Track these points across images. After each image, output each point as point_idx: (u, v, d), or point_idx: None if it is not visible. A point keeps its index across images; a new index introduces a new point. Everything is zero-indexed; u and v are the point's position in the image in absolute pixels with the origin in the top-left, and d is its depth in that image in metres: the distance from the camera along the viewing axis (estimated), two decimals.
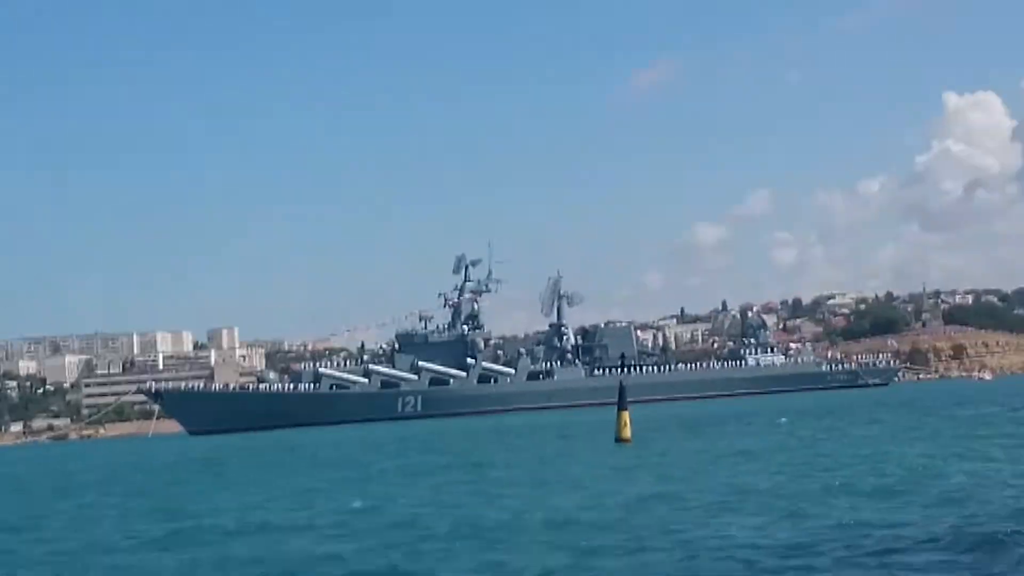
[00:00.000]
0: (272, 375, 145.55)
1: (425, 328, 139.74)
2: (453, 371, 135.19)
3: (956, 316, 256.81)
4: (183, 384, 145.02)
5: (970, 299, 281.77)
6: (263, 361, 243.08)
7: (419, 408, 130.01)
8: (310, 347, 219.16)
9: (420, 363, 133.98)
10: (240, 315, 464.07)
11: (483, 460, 47.07)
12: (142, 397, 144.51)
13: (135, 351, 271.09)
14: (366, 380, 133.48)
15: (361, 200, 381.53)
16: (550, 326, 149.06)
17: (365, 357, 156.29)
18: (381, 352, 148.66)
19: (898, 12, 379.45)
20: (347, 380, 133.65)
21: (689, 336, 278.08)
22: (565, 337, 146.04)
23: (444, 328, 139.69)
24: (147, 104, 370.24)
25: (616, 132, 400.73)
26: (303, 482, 40.49)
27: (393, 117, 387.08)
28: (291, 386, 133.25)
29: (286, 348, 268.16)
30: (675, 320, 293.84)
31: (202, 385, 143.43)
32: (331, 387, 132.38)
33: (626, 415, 54.37)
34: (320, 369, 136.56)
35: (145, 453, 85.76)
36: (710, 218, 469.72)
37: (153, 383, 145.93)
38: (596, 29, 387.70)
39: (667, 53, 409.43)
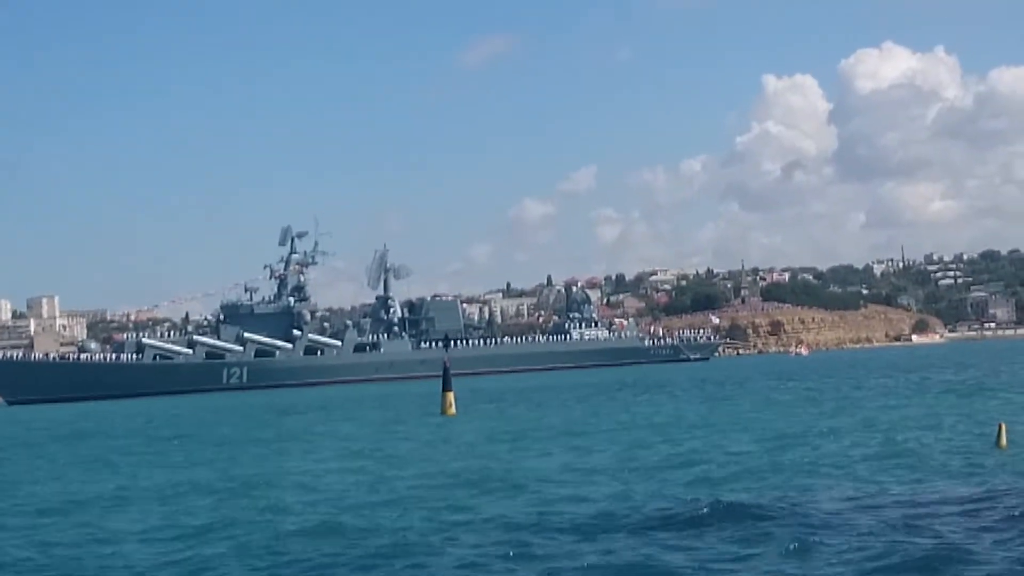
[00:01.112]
0: (94, 345, 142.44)
1: (251, 299, 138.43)
2: (279, 343, 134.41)
3: (774, 293, 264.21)
4: (1, 353, 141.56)
5: (787, 277, 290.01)
6: (84, 331, 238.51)
7: (245, 380, 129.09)
8: (133, 317, 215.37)
9: (245, 334, 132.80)
10: (61, 284, 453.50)
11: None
12: None
13: None
14: (190, 351, 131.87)
15: (188, 170, 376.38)
16: (377, 299, 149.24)
17: (190, 328, 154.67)
18: (206, 323, 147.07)
19: None
20: (171, 351, 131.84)
21: (515, 310, 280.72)
22: (392, 310, 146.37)
23: (270, 299, 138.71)
24: None
25: (446, 108, 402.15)
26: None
27: (226, 89, 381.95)
28: (113, 356, 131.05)
29: (108, 318, 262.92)
30: (501, 294, 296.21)
31: (21, 354, 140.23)
32: (155, 358, 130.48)
33: (451, 396, 55.22)
34: (143, 339, 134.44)
35: None
36: (538, 194, 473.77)
37: None
38: (426, 4, 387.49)
39: (498, 29, 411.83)
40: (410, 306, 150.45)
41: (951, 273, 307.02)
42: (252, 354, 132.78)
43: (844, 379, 73.91)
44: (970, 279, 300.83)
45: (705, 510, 19.03)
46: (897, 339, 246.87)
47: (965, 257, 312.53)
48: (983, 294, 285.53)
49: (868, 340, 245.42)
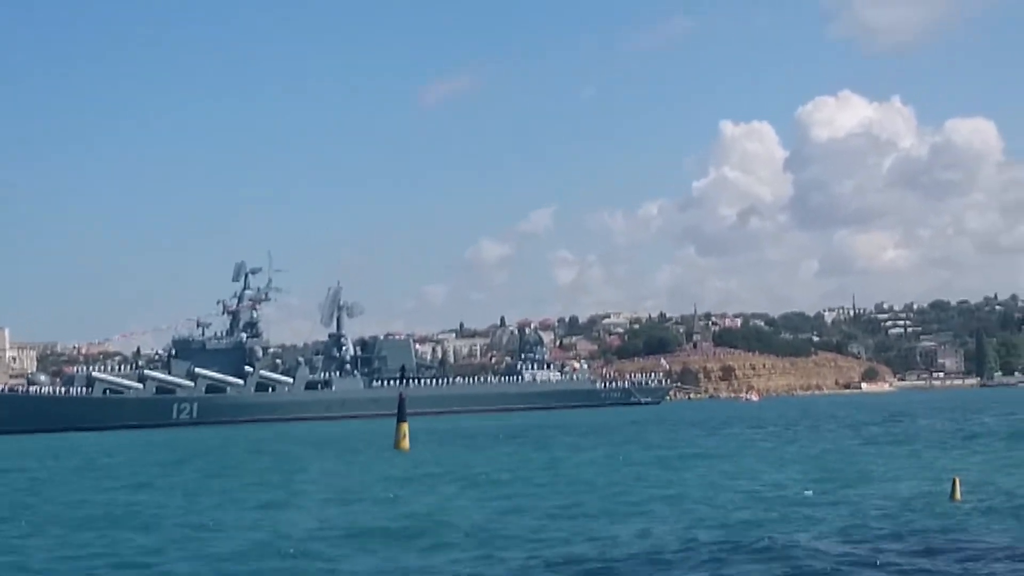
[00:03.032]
0: (43, 378, 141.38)
1: (203, 335, 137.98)
2: (230, 378, 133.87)
3: (726, 338, 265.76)
4: None
5: (739, 322, 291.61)
6: (35, 363, 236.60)
7: (195, 415, 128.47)
8: (84, 350, 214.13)
9: (196, 369, 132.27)
10: (11, 315, 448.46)
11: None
12: None
13: None
14: (140, 385, 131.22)
15: (140, 203, 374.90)
16: (329, 336, 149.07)
17: (140, 362, 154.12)
18: (157, 357, 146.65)
19: (688, 36, 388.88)
20: (121, 385, 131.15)
21: (467, 350, 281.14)
22: (344, 348, 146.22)
23: (222, 335, 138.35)
24: None
25: (406, 145, 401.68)
26: None
27: (182, 123, 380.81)
28: (63, 390, 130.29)
29: (59, 351, 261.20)
30: (455, 334, 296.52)
31: None
32: (105, 391, 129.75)
33: (405, 427, 55.50)
34: (93, 373, 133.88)
35: None
36: (496, 234, 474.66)
37: None
38: (389, 39, 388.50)
39: (461, 66, 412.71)
40: (363, 344, 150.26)
41: (901, 322, 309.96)
42: (203, 389, 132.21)
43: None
44: (920, 329, 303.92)
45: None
46: (847, 387, 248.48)
47: (915, 307, 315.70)
48: (932, 344, 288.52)
49: (818, 387, 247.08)
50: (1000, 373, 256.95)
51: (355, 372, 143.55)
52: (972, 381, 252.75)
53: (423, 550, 21.45)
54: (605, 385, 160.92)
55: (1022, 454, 41.54)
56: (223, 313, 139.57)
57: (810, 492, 29.42)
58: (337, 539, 23.29)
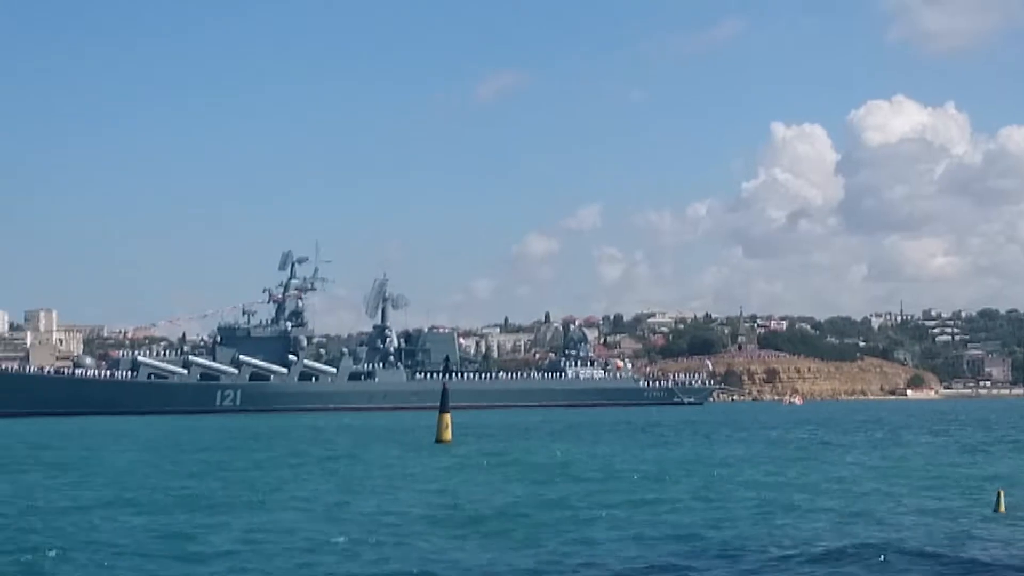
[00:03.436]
0: (89, 360, 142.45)
1: (248, 322, 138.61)
2: (274, 367, 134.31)
3: (770, 341, 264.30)
4: None
5: (784, 325, 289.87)
6: (81, 346, 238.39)
7: (238, 402, 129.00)
8: (130, 335, 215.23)
9: (241, 357, 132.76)
10: (59, 298, 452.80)
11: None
12: None
13: None
14: (185, 371, 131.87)
15: (191, 190, 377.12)
16: (374, 328, 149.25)
17: (186, 348, 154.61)
18: (202, 344, 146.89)
19: (740, 38, 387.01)
20: (166, 370, 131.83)
21: (511, 345, 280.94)
22: (388, 339, 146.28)
23: (267, 323, 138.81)
24: None
25: (456, 140, 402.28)
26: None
27: (233, 109, 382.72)
28: (108, 373, 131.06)
29: (105, 334, 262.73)
30: (499, 329, 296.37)
31: (16, 367, 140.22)
32: (149, 376, 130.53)
33: (447, 417, 55.51)
34: (139, 357, 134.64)
35: None
36: (543, 230, 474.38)
37: None
38: (442, 35, 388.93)
39: (512, 64, 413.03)
40: (407, 336, 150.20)
41: (948, 330, 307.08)
42: (247, 377, 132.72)
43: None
44: (967, 337, 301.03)
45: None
46: (892, 393, 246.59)
47: (963, 314, 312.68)
48: (980, 352, 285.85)
49: (863, 392, 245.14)
50: None
51: (399, 364, 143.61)
52: (1019, 391, 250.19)
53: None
54: (648, 384, 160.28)
55: None
56: (269, 301, 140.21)
57: None
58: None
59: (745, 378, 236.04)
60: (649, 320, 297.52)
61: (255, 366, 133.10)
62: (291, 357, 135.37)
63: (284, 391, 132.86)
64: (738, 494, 30.36)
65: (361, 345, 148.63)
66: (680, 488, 32.21)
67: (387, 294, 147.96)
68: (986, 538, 21.34)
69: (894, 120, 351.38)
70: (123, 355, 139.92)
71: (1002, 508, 25.61)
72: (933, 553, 19.30)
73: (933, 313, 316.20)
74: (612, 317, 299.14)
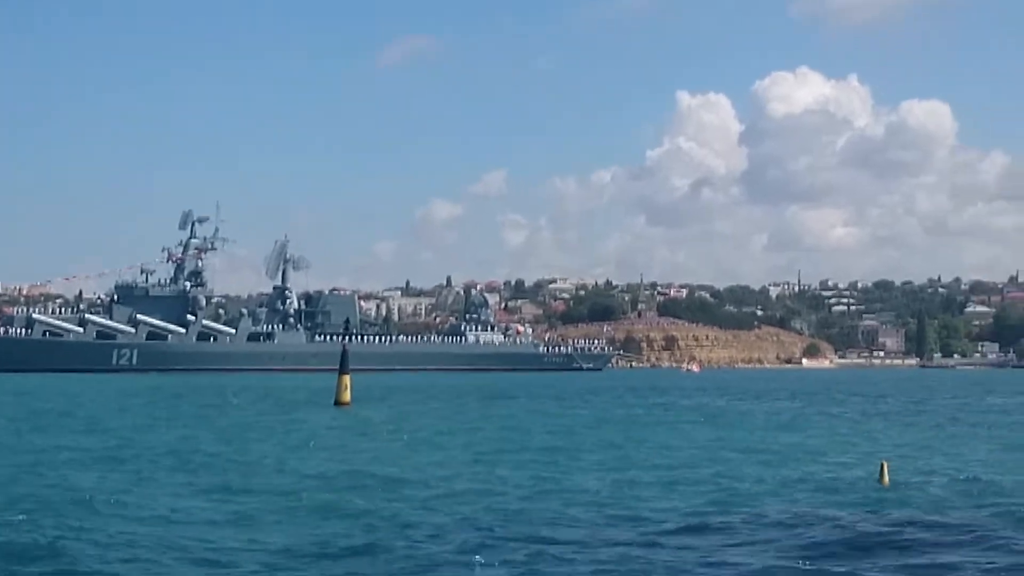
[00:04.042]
0: None
1: (146, 281, 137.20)
2: (172, 326, 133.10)
3: (670, 309, 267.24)
4: None
5: (684, 293, 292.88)
6: None
7: (135, 361, 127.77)
8: (25, 292, 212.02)
9: (138, 316, 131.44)
10: None
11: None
12: None
13: None
14: (81, 329, 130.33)
15: (90, 146, 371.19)
16: (274, 289, 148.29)
17: (82, 306, 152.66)
18: (99, 302, 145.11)
19: (647, 7, 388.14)
20: (61, 328, 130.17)
21: (412, 309, 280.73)
22: (288, 301, 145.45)
23: (166, 283, 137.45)
24: None
25: (362, 104, 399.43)
26: None
27: (131, 67, 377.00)
28: (2, 330, 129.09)
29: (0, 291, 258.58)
30: (400, 292, 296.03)
31: None
32: (44, 334, 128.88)
33: (347, 379, 55.70)
34: (33, 315, 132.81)
35: None
36: (448, 195, 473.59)
37: None
38: (347, 2, 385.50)
39: (418, 30, 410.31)
40: (307, 298, 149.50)
41: (844, 300, 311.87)
42: (144, 336, 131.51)
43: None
44: (863, 307, 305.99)
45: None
46: (788, 362, 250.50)
47: (859, 285, 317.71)
48: (874, 323, 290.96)
49: (759, 361, 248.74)
50: (940, 355, 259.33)
51: (298, 326, 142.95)
52: (912, 361, 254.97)
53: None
54: (548, 350, 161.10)
55: None
56: (168, 261, 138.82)
57: None
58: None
59: (644, 345, 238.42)
60: (551, 286, 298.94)
61: (152, 325, 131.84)
62: (189, 317, 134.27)
63: (182, 351, 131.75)
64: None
65: (261, 306, 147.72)
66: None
67: (288, 255, 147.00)
68: (865, 509, 21.59)
69: (798, 91, 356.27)
70: (17, 312, 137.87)
71: (885, 480, 25.93)
72: (807, 523, 19.55)
73: (830, 283, 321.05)
74: (514, 282, 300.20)
